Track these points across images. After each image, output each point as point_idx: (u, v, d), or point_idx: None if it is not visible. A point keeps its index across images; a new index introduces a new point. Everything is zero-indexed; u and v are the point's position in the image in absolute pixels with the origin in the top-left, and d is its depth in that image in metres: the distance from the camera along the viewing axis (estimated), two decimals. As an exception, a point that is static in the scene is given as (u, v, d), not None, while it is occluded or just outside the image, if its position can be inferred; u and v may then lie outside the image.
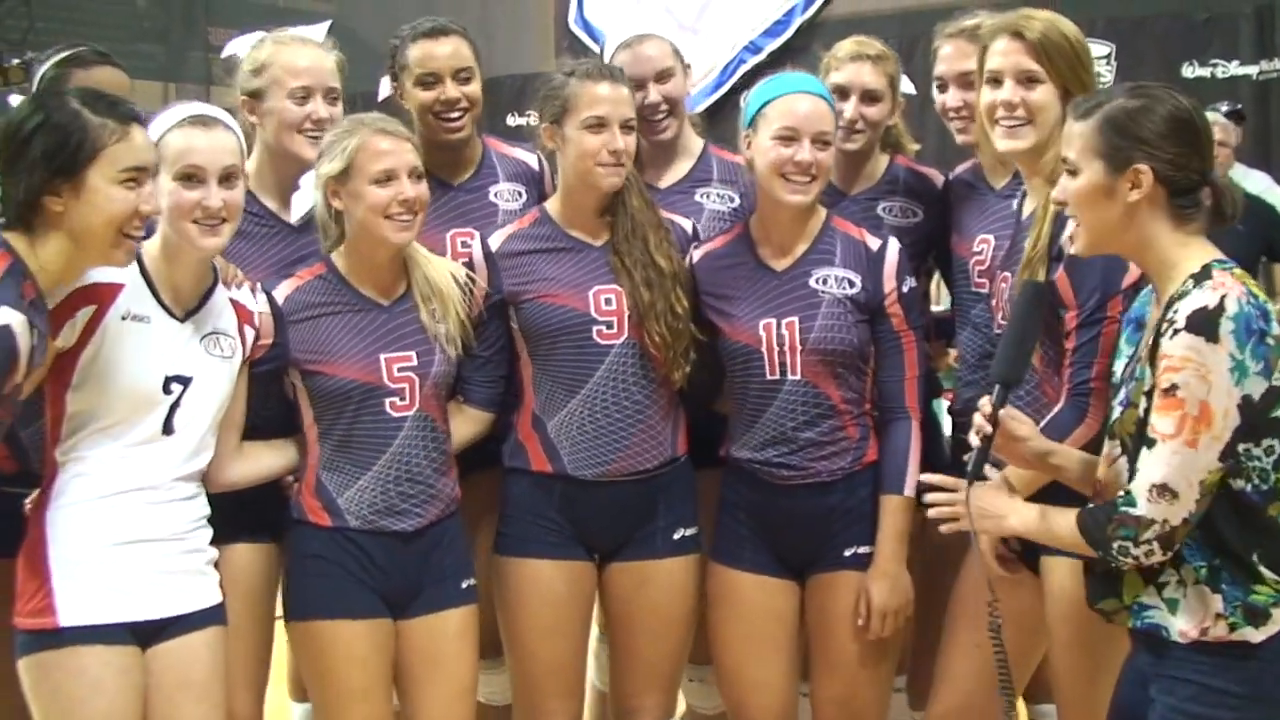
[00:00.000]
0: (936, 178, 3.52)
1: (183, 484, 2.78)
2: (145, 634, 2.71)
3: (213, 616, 2.80)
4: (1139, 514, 2.26)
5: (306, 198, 3.06)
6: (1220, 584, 2.29)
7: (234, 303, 2.89)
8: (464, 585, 3.08)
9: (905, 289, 3.11)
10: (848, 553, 3.11)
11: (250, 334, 2.90)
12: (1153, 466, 2.26)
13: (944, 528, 2.58)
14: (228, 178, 2.77)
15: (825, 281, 3.09)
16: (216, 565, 2.85)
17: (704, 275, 3.20)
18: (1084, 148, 2.39)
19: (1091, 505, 2.40)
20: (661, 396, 3.16)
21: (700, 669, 3.49)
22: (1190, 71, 8.37)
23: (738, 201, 3.46)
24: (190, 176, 2.72)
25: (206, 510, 2.83)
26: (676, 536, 3.21)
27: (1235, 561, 2.29)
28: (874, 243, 3.13)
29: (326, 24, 3.33)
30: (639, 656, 3.24)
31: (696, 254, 3.23)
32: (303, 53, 3.19)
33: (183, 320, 2.78)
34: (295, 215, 3.09)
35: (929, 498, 2.60)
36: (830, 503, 3.10)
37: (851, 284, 3.09)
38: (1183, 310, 2.25)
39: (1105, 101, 2.41)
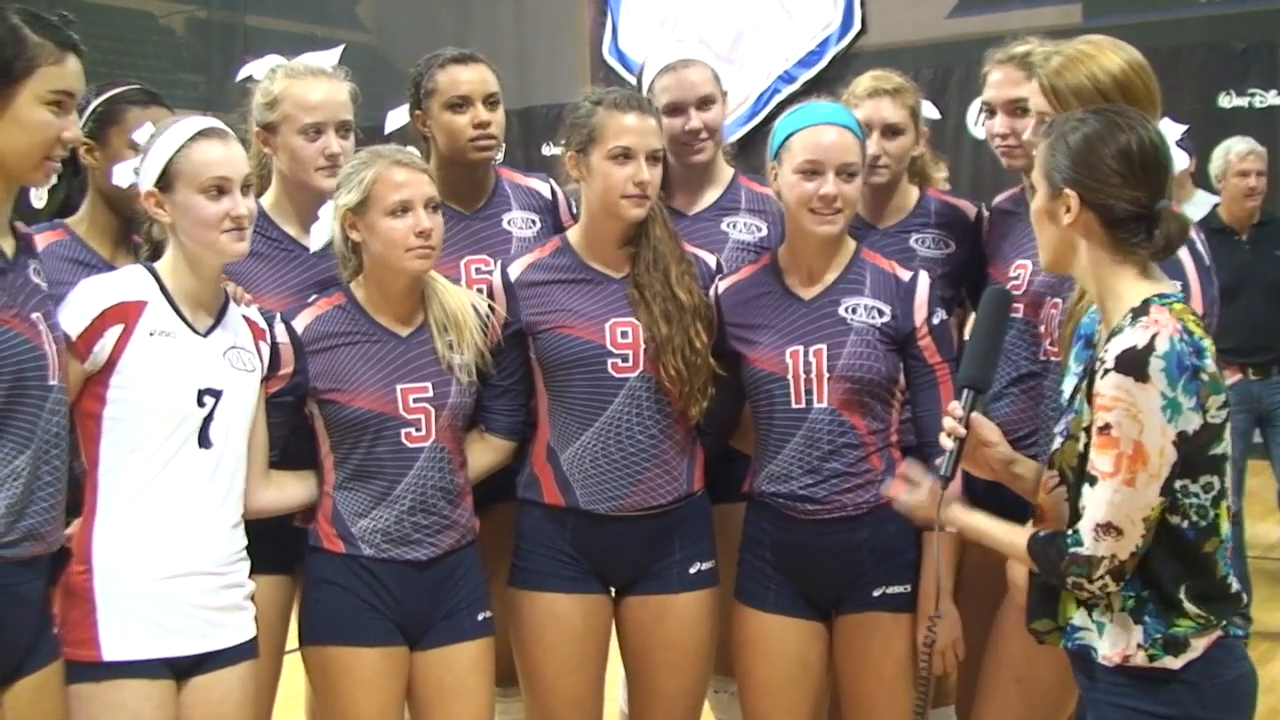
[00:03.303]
0: (969, 209, 3.51)
1: (226, 510, 2.79)
2: (182, 668, 2.74)
3: (247, 651, 2.83)
4: (1088, 554, 2.30)
5: (324, 228, 3.06)
6: (1144, 616, 2.33)
7: (246, 319, 2.91)
8: (480, 618, 3.07)
9: (936, 320, 3.08)
10: (877, 593, 3.07)
11: (265, 350, 2.92)
12: (1096, 506, 2.29)
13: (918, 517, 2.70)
14: (247, 186, 2.80)
15: (855, 310, 3.06)
16: (253, 597, 2.86)
17: (729, 306, 3.17)
18: (1038, 168, 2.44)
19: (1041, 535, 2.42)
20: (677, 431, 3.14)
21: (728, 681, 3.43)
22: (1227, 101, 8.36)
23: (764, 232, 3.45)
24: (219, 189, 2.74)
25: (245, 542, 2.85)
26: (693, 571, 3.18)
27: (1161, 595, 2.32)
28: (904, 274, 3.11)
29: (339, 49, 3.32)
30: (658, 691, 3.22)
31: (721, 285, 3.21)
32: (316, 87, 3.18)
33: (204, 336, 2.80)
34: (315, 245, 3.10)
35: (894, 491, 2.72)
36: (858, 538, 3.06)
37: (881, 313, 3.06)
38: (1113, 349, 2.27)
39: (1061, 127, 2.43)
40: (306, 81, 3.19)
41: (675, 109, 3.42)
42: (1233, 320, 5.69)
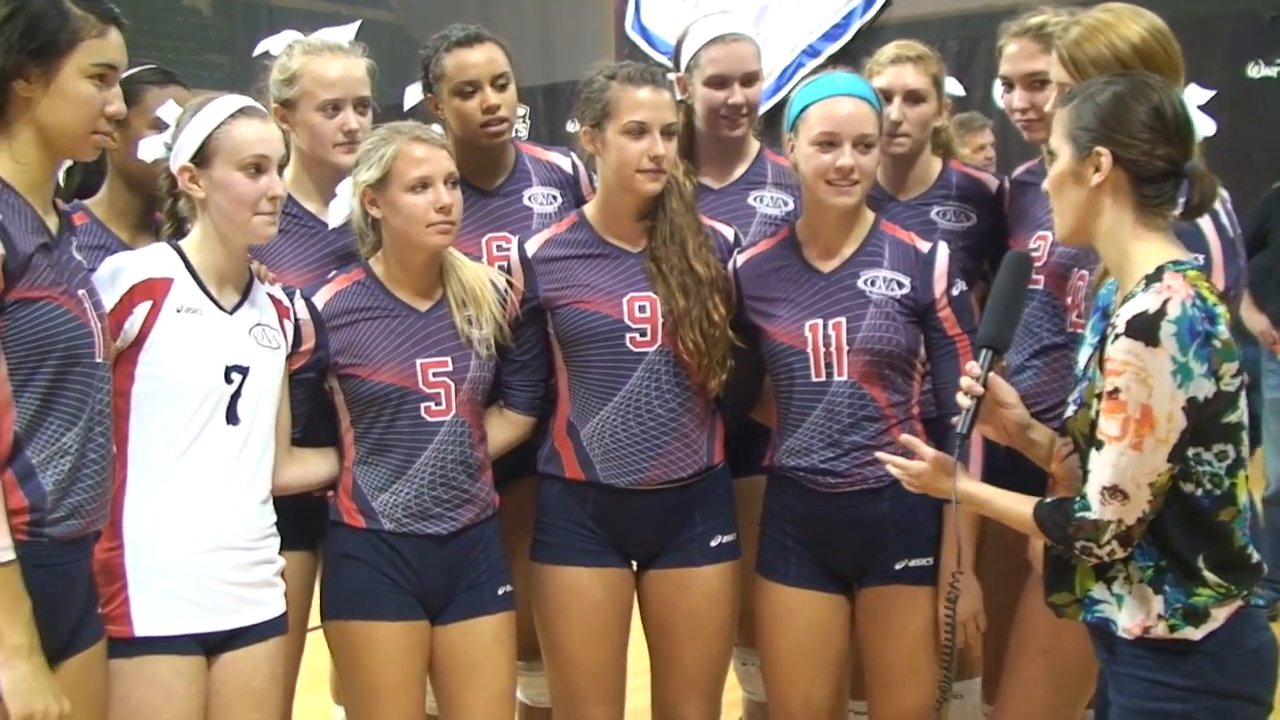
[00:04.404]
0: (991, 181, 3.50)
1: (255, 486, 2.81)
2: (213, 643, 2.76)
3: (277, 627, 2.85)
4: (1095, 518, 2.29)
5: (343, 205, 3.06)
6: (1163, 585, 2.32)
7: (271, 297, 2.93)
8: (500, 592, 3.08)
9: (955, 292, 3.07)
10: (899, 565, 3.07)
11: (289, 327, 2.93)
12: (1102, 469, 2.28)
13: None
14: (281, 166, 2.83)
15: (874, 283, 3.06)
16: (282, 574, 2.88)
17: (747, 279, 3.17)
18: (1061, 132, 2.42)
19: (1048, 501, 2.41)
20: (696, 405, 3.14)
21: (755, 653, 3.40)
22: (1256, 71, 8.26)
23: (791, 206, 3.44)
24: (257, 167, 2.75)
25: (274, 518, 2.87)
26: (714, 544, 3.18)
27: (1180, 564, 2.31)
28: (923, 246, 3.10)
29: (355, 24, 3.32)
30: (680, 665, 3.22)
31: (740, 258, 3.20)
32: (333, 63, 3.19)
33: (231, 313, 2.81)
34: (334, 222, 3.11)
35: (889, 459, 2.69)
36: (879, 511, 3.06)
37: (900, 285, 3.05)
38: (1124, 315, 2.26)
39: (1087, 89, 2.43)
40: (324, 58, 3.19)
41: (721, 82, 3.41)
42: None
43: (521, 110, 10.46)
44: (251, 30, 12.63)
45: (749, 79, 3.43)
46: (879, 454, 2.79)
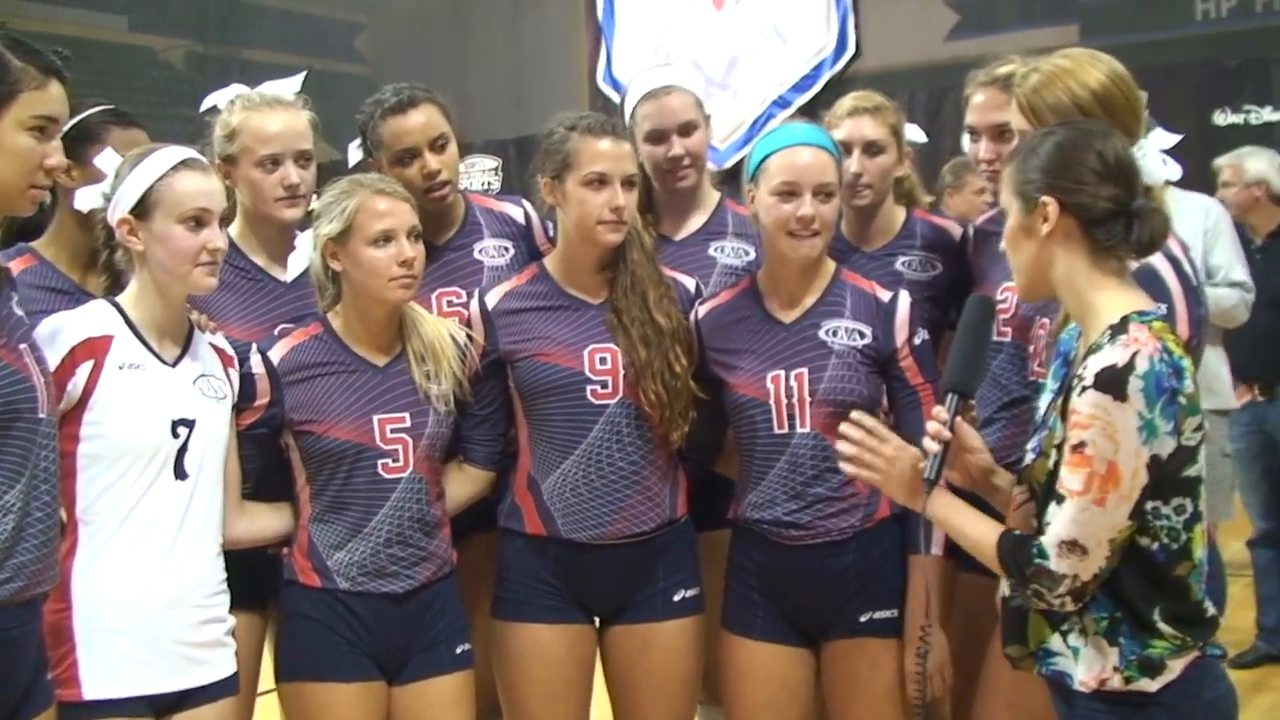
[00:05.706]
0: (955, 229, 3.49)
1: (204, 541, 2.77)
2: (163, 705, 2.71)
3: (228, 687, 2.81)
4: (1051, 569, 2.26)
5: (303, 257, 3.03)
6: (1118, 638, 2.28)
7: (214, 347, 2.89)
8: (458, 650, 3.04)
9: (917, 341, 3.05)
10: (864, 618, 3.03)
11: (235, 376, 2.90)
12: (1062, 523, 2.25)
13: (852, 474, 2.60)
14: (224, 219, 2.80)
15: (835, 333, 3.04)
16: (233, 633, 2.83)
17: (709, 330, 3.15)
18: (1009, 189, 2.41)
19: (1013, 535, 2.37)
20: (659, 457, 3.11)
21: (719, 711, 3.36)
22: (1222, 119, 8.34)
23: (752, 256, 3.42)
24: (198, 220, 2.73)
25: (224, 575, 2.82)
26: (677, 598, 3.15)
27: (1135, 617, 2.28)
28: (884, 295, 3.08)
29: (300, 76, 3.28)
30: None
31: (702, 310, 3.18)
32: (272, 118, 3.15)
33: (173, 366, 2.78)
34: (291, 274, 3.07)
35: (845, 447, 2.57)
36: (843, 563, 3.03)
37: (862, 335, 3.03)
38: (1092, 367, 2.23)
39: (1029, 144, 2.42)
40: (263, 113, 3.15)
41: (658, 136, 3.40)
42: (1240, 333, 5.56)
43: (493, 163, 10.48)
44: (224, 84, 12.68)
45: (685, 129, 3.41)
46: (842, 427, 2.60)
